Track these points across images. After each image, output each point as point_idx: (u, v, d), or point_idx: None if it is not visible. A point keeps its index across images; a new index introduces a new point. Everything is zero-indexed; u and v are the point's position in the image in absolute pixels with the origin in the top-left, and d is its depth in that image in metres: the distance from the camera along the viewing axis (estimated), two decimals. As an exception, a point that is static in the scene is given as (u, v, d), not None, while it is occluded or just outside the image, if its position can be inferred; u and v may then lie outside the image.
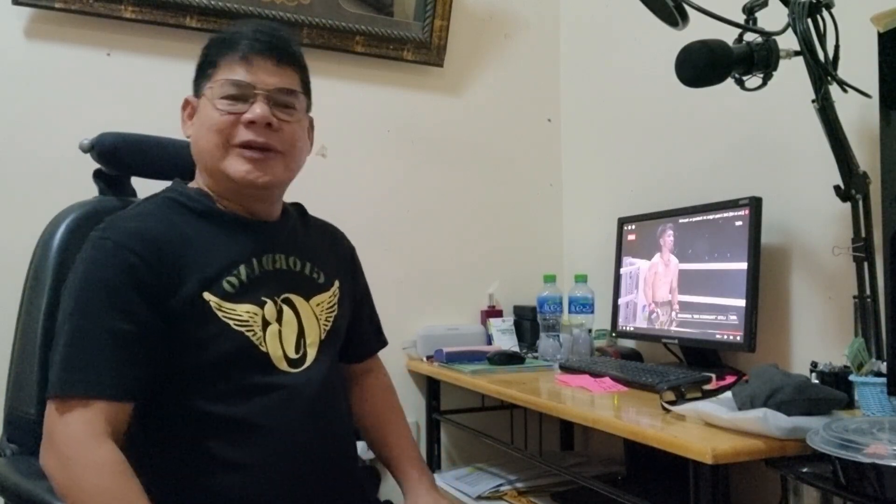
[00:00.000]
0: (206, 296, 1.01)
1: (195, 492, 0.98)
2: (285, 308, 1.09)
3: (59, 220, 1.27)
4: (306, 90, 1.13)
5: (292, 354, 1.07)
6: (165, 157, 1.34)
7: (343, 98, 2.00)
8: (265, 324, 1.05)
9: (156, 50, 1.78)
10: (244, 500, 0.99)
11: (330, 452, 1.08)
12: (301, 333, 1.09)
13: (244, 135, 1.04)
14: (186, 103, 1.12)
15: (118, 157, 1.34)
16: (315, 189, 1.89)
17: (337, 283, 1.20)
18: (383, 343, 1.37)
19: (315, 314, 1.13)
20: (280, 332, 1.06)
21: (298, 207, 1.27)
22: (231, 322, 1.02)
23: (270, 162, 1.06)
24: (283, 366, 1.05)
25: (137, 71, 1.77)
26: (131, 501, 0.89)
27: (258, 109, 1.03)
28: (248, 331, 1.03)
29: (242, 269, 1.06)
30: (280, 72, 1.07)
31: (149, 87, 1.76)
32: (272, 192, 1.12)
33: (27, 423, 1.14)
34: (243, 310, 1.03)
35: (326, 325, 1.14)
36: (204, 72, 1.08)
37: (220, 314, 1.01)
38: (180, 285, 1.00)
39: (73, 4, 1.67)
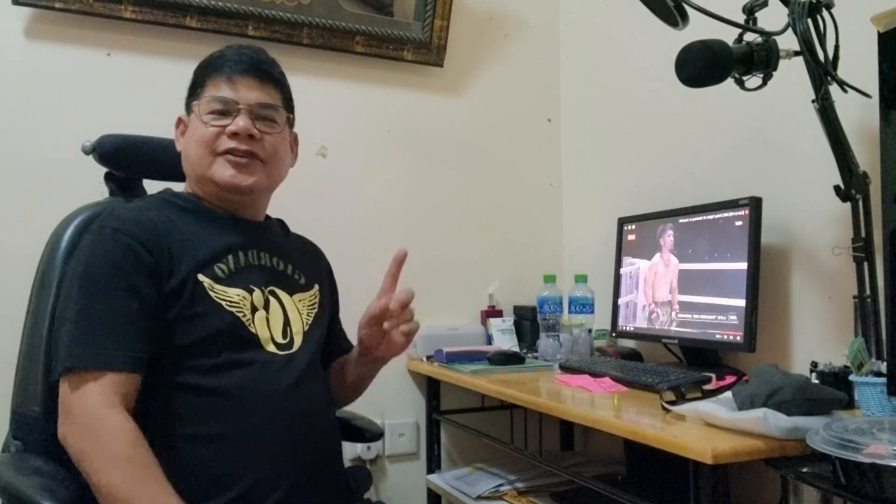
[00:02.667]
0: (201, 276, 1.09)
1: (180, 463, 1.01)
2: (272, 298, 1.17)
3: (68, 221, 1.26)
4: (287, 106, 1.23)
5: (280, 339, 1.14)
6: (167, 158, 1.34)
7: (343, 98, 2.00)
8: (253, 308, 1.13)
9: (156, 50, 1.78)
10: (224, 471, 1.02)
11: (311, 433, 1.12)
12: (287, 322, 1.17)
13: (228, 144, 1.13)
14: (179, 121, 1.22)
15: (120, 158, 1.35)
16: (315, 189, 1.90)
17: (317, 287, 1.29)
18: (350, 346, 1.42)
19: (297, 308, 1.21)
20: (267, 318, 1.14)
21: (280, 221, 1.35)
22: (223, 302, 1.09)
23: (253, 167, 1.16)
24: (271, 347, 1.12)
25: (137, 71, 1.77)
26: (146, 467, 0.95)
27: (241, 122, 1.13)
28: (238, 311, 1.10)
29: (231, 258, 1.14)
30: (261, 88, 1.17)
31: (149, 87, 1.76)
32: (254, 196, 1.21)
33: (32, 421, 1.14)
34: (234, 293, 1.11)
35: (308, 319, 1.21)
36: (193, 91, 1.19)
37: (212, 294, 1.09)
38: (175, 267, 1.07)
39: (73, 4, 1.67)
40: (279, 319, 1.16)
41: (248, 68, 1.16)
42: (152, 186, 1.34)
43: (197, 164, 1.15)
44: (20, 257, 1.37)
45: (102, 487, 0.93)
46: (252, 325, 1.11)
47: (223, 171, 1.14)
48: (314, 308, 1.24)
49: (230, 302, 1.10)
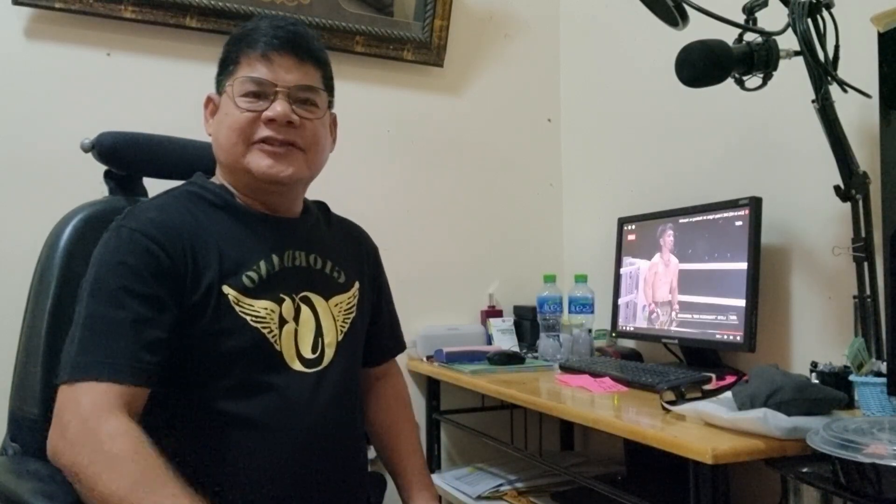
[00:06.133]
0: (226, 289, 1.00)
1: (197, 487, 0.96)
2: (303, 307, 1.07)
3: (67, 220, 1.25)
4: (328, 87, 1.14)
5: (308, 354, 1.05)
6: (168, 156, 1.33)
7: (343, 98, 1.99)
8: (282, 322, 1.04)
9: (156, 50, 1.78)
10: (240, 497, 0.98)
11: (338, 460, 1.06)
12: (319, 333, 1.08)
13: (264, 132, 1.03)
14: (209, 101, 1.12)
15: (119, 156, 1.34)
16: (314, 189, 1.89)
17: (357, 285, 1.19)
18: (401, 347, 1.36)
19: (333, 315, 1.11)
20: (296, 331, 1.05)
21: (321, 205, 1.26)
22: (248, 318, 1.01)
23: (292, 156, 1.06)
24: (297, 365, 1.04)
25: (137, 71, 1.77)
26: (153, 468, 0.86)
27: (278, 107, 1.03)
28: (264, 327, 1.02)
29: (262, 264, 1.05)
30: (300, 68, 1.06)
31: (149, 87, 1.76)
32: (293, 187, 1.11)
33: (30, 423, 1.13)
34: (261, 306, 1.02)
35: (344, 327, 1.12)
36: (225, 69, 1.08)
37: (237, 309, 1.00)
38: (198, 275, 0.99)
39: (73, 4, 1.67)
40: (310, 330, 1.07)
41: (285, 45, 1.05)
42: (152, 185, 1.34)
43: (230, 152, 1.05)
44: (19, 256, 1.37)
45: (105, 497, 0.83)
46: (278, 341, 1.02)
47: (259, 161, 1.03)
48: (351, 312, 1.15)
49: (256, 317, 1.01)
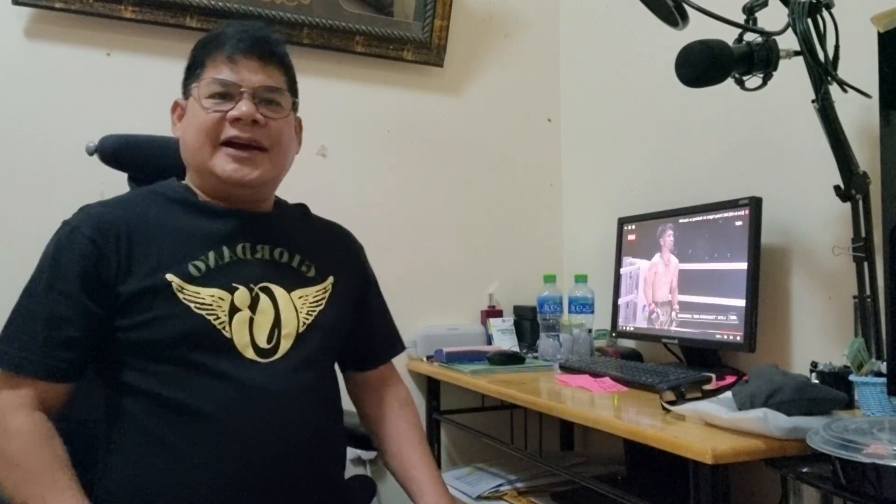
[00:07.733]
0: (169, 276, 1.01)
1: (146, 474, 0.97)
2: (262, 296, 1.07)
3: None
4: (292, 89, 1.15)
5: (263, 344, 1.05)
6: (169, 157, 1.33)
7: (343, 98, 2.00)
8: (233, 310, 1.04)
9: (156, 50, 1.78)
10: (189, 492, 0.97)
11: (296, 455, 1.03)
12: (277, 323, 1.07)
13: (230, 132, 1.06)
14: (175, 105, 1.14)
15: (121, 158, 1.34)
16: (315, 189, 1.89)
17: (331, 280, 1.17)
18: (392, 350, 1.32)
19: (295, 306, 1.10)
20: (252, 319, 1.05)
21: (301, 207, 1.27)
22: (192, 304, 1.01)
23: (256, 160, 1.08)
24: (250, 354, 1.03)
25: (137, 71, 1.77)
26: (41, 471, 0.92)
27: (243, 106, 1.05)
28: (209, 314, 1.02)
29: (211, 254, 1.06)
30: (264, 70, 1.09)
31: (149, 87, 1.76)
32: (259, 190, 1.13)
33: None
34: (207, 293, 1.03)
35: (307, 319, 1.10)
36: (192, 73, 1.11)
37: (180, 295, 1.01)
38: (136, 268, 1.01)
39: (73, 4, 1.67)
40: (268, 320, 1.06)
41: (250, 48, 1.07)
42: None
43: (197, 153, 1.07)
44: (18, 256, 1.36)
45: (3, 491, 0.92)
46: (227, 328, 1.02)
47: (224, 165, 1.06)
48: (319, 304, 1.13)
49: (201, 304, 1.01)
